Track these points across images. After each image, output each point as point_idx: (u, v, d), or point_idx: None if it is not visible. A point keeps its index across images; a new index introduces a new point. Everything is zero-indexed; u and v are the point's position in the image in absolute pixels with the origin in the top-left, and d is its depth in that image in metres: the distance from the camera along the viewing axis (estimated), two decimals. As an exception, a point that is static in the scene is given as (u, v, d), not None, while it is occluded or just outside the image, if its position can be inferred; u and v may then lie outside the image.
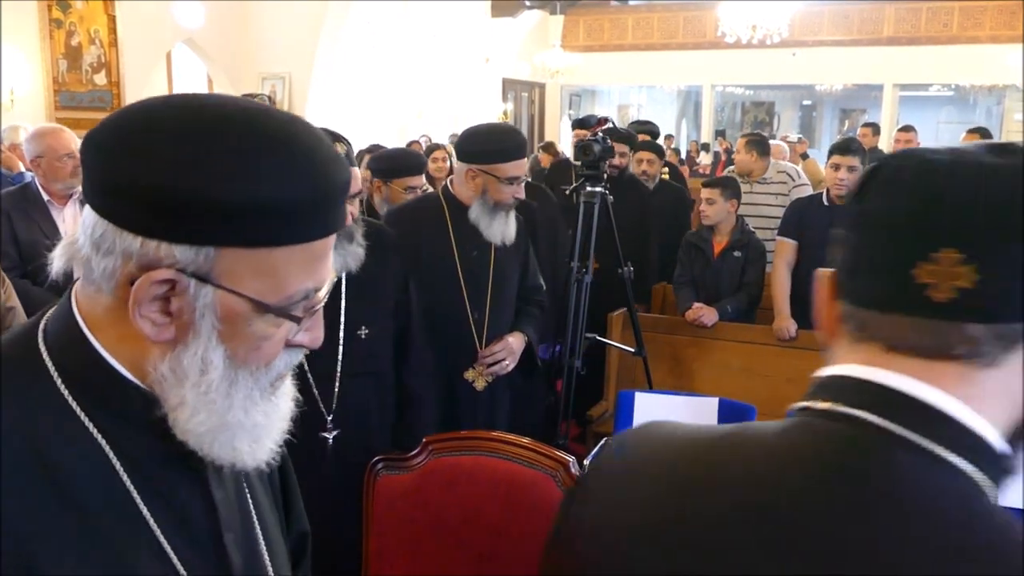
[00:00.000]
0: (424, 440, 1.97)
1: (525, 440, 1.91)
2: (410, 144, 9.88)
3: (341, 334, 2.08)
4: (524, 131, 16.32)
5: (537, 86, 16.71)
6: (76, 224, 2.79)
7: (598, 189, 3.30)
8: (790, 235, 3.85)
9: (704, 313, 3.84)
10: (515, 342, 2.67)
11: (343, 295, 2.10)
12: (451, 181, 2.70)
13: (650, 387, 3.50)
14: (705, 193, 3.93)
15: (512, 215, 2.60)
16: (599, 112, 17.37)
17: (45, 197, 3.45)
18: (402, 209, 2.84)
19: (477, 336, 2.62)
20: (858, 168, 3.74)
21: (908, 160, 0.67)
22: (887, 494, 0.60)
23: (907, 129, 6.68)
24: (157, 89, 9.38)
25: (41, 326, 0.79)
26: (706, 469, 0.69)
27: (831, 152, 3.87)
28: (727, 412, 3.00)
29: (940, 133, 18.70)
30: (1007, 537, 0.59)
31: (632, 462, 0.76)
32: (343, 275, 2.07)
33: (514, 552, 1.83)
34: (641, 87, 19.37)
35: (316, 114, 9.34)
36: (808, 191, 4.90)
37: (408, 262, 2.35)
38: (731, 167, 5.29)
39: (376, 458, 2.00)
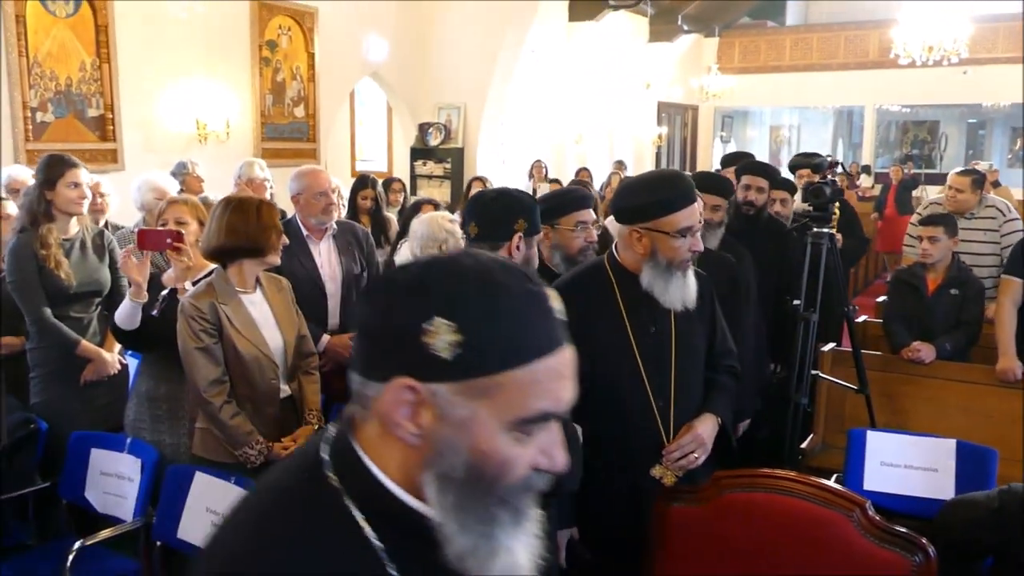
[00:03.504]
0: (713, 475, 2.12)
1: (818, 480, 2.03)
2: (533, 165, 9.89)
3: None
4: (676, 154, 16.33)
5: (690, 109, 16.69)
6: (330, 257, 3.12)
7: (825, 230, 3.38)
8: (1018, 273, 3.77)
9: (923, 350, 3.82)
10: (705, 430, 2.30)
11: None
12: (616, 247, 2.36)
13: (873, 425, 3.52)
14: (927, 231, 3.91)
15: (691, 274, 2.27)
16: (751, 134, 17.09)
17: (304, 232, 3.81)
18: (567, 283, 2.38)
19: (663, 427, 2.28)
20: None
21: None
22: None
23: None
24: (343, 119, 10.03)
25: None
26: None
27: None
28: (967, 456, 2.99)
29: None
30: None
31: None
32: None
33: (810, 587, 1.95)
34: (793, 108, 18.96)
35: (486, 141, 9.75)
36: (1019, 225, 4.76)
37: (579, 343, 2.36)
38: (932, 200, 5.16)
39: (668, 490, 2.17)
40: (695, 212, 2.22)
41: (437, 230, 3.43)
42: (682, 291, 2.23)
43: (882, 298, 5.40)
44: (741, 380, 2.51)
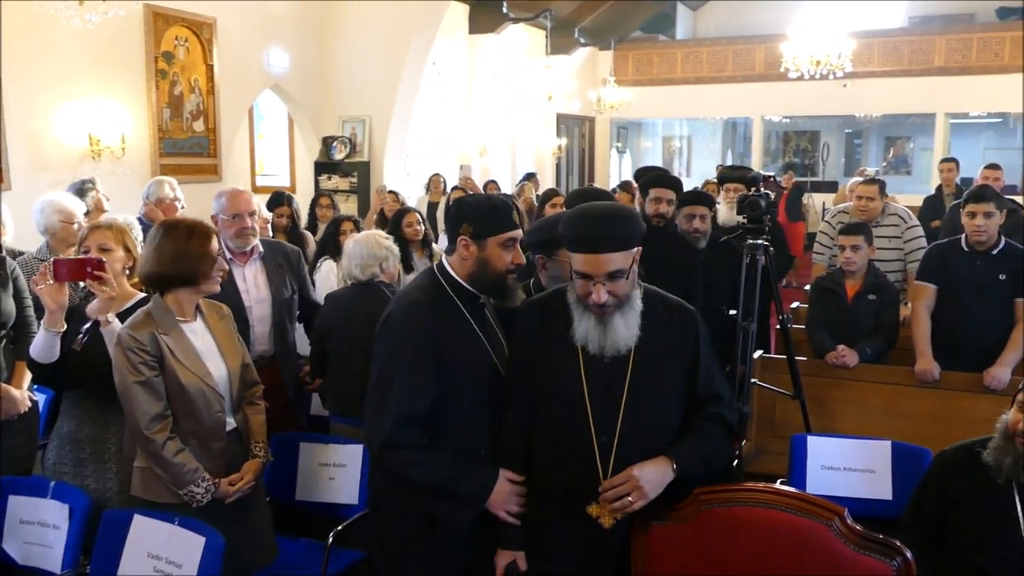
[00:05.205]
0: (693, 492, 2.11)
1: (795, 491, 2.06)
2: (431, 179, 9.60)
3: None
4: (575, 164, 16.56)
5: (587, 120, 16.97)
6: (257, 280, 2.95)
7: (760, 241, 3.46)
8: (931, 279, 3.96)
9: (848, 355, 3.96)
10: (644, 473, 2.05)
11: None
12: None
13: (809, 430, 3.61)
14: (849, 240, 4.06)
15: (629, 313, 2.10)
16: (645, 144, 17.47)
17: (227, 255, 3.60)
18: (533, 303, 2.32)
19: (602, 464, 2.09)
20: (995, 213, 3.84)
21: None
22: None
23: (993, 167, 6.83)
24: (242, 133, 9.69)
25: None
26: None
27: (966, 201, 3.96)
28: (901, 456, 3.10)
29: (987, 158, 18.71)
30: None
31: None
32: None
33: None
34: (684, 119, 19.57)
35: (393, 155, 9.61)
36: (920, 231, 5.01)
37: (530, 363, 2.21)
38: (840, 208, 5.37)
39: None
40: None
41: (377, 248, 3.33)
42: (590, 331, 2.09)
43: (795, 304, 5.61)
44: (733, 429, 2.28)
